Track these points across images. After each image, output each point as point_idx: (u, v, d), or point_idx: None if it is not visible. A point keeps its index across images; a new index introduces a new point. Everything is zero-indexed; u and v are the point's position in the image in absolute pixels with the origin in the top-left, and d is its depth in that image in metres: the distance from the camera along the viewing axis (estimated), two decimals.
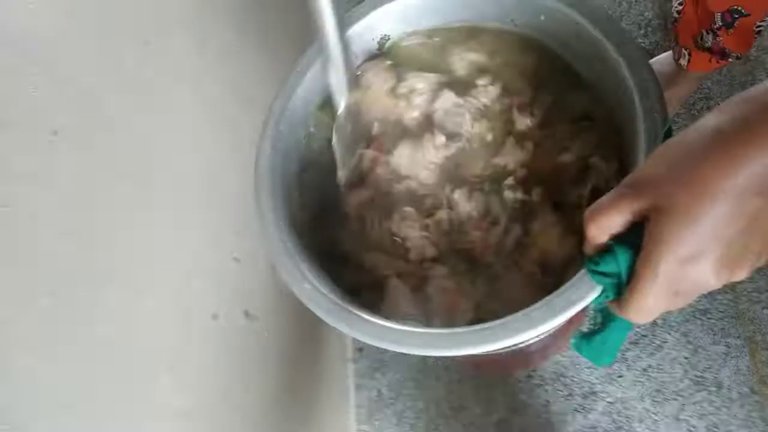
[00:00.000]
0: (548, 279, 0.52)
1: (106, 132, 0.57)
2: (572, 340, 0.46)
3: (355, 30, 0.60)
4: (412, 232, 0.56)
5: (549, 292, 0.44)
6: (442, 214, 0.56)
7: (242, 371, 0.75)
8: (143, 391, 0.56)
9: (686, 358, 0.98)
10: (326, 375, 1.03)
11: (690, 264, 0.34)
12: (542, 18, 0.55)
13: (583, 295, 0.42)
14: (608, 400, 0.99)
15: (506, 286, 0.53)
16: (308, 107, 0.60)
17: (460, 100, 0.59)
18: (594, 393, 1.00)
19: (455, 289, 0.54)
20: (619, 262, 0.38)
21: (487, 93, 0.59)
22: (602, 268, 0.39)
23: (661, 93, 0.47)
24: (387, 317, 0.48)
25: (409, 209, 0.57)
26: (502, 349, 0.45)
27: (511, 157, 0.56)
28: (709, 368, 0.97)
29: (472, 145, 0.59)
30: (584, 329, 0.46)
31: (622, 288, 0.39)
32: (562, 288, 0.43)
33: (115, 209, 0.56)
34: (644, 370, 0.99)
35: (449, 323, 0.52)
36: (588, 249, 0.41)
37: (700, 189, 0.33)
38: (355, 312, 0.47)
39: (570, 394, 1.01)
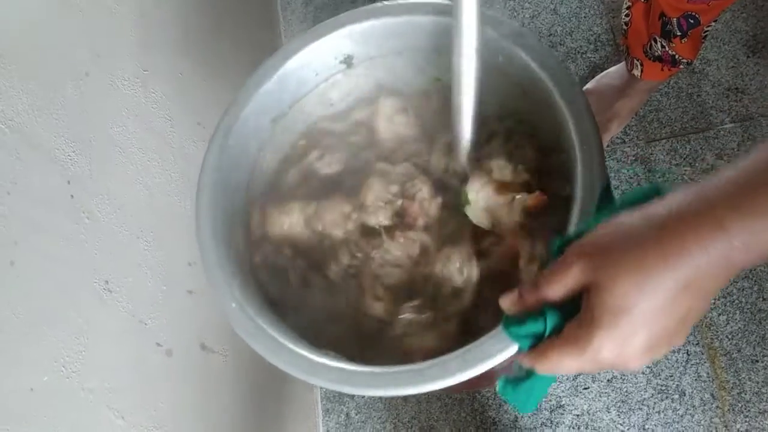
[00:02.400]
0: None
1: (44, 170, 0.55)
2: (498, 385, 0.46)
3: (316, 47, 0.59)
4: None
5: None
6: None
7: (202, 407, 0.73)
8: None
9: (649, 367, 0.99)
10: (293, 400, 1.01)
11: (617, 345, 0.35)
12: (500, 59, 0.55)
13: (501, 348, 0.42)
14: (575, 412, 1.00)
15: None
16: (260, 120, 0.59)
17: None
18: (561, 406, 1.00)
19: None
20: (547, 324, 0.39)
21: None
22: (527, 328, 0.39)
23: (600, 144, 0.47)
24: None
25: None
26: (418, 392, 0.45)
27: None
28: (671, 377, 0.98)
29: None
30: (510, 375, 0.46)
31: (537, 343, 0.40)
32: (480, 340, 0.43)
33: (57, 248, 0.54)
34: (609, 381, 1.00)
35: None
36: (513, 310, 0.41)
37: (641, 278, 0.33)
38: (275, 336, 0.47)
39: (537, 409, 1.01)
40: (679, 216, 0.33)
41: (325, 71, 0.63)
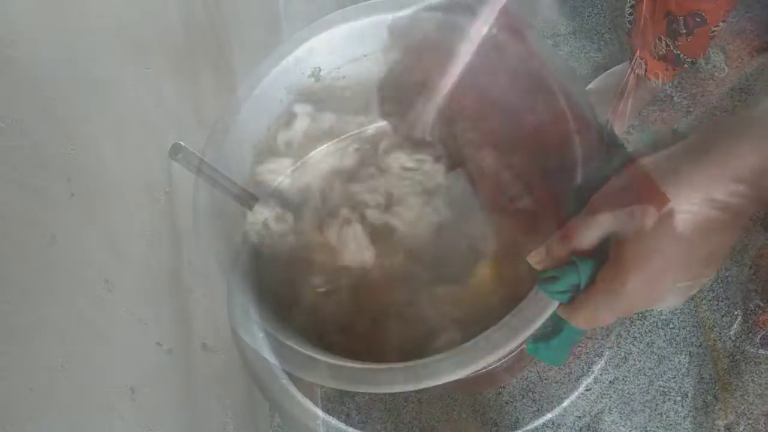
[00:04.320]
0: None
1: (43, 168, 0.54)
2: (528, 345, 0.45)
3: (284, 65, 0.59)
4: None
5: None
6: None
7: (203, 407, 0.72)
8: None
9: (651, 368, 0.98)
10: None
11: (650, 285, 0.36)
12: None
13: (540, 311, 0.42)
14: (577, 414, 0.99)
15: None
16: (243, 146, 0.59)
17: None
18: (563, 408, 1.00)
19: None
20: (580, 275, 0.38)
21: None
22: (563, 282, 0.39)
23: (593, 110, 0.47)
24: None
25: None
26: (467, 374, 0.44)
27: None
28: (673, 378, 0.98)
29: None
30: (537, 333, 0.46)
31: (575, 296, 0.40)
32: (519, 307, 0.43)
33: (55, 247, 0.54)
34: (611, 382, 0.99)
35: None
36: (545, 266, 0.41)
37: (668, 219, 0.34)
38: (321, 358, 0.47)
39: (539, 410, 1.00)
40: (693, 158, 0.34)
41: (295, 88, 0.63)
